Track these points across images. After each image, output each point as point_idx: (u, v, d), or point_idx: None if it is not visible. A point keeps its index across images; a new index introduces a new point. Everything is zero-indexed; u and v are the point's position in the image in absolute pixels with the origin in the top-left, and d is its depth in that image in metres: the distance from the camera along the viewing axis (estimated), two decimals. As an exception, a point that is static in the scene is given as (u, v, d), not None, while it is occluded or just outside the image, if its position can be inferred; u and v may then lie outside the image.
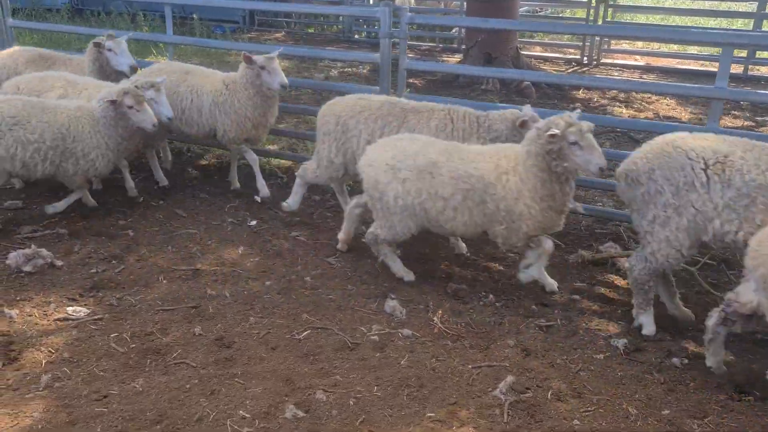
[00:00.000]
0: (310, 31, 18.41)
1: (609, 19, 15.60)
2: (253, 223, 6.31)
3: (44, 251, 5.36)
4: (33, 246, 5.40)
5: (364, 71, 13.45)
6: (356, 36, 17.32)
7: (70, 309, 4.71)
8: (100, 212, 6.36)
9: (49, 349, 4.21)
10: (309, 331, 4.51)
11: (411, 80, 12.82)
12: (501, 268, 5.58)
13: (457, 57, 15.61)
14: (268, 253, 5.70)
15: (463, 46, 14.43)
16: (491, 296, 5.04)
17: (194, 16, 15.13)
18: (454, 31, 16.51)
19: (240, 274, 5.31)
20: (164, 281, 5.17)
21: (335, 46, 16.17)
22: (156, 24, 15.10)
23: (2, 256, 5.35)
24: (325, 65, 13.63)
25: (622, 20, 18.58)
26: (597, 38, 15.03)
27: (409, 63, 6.81)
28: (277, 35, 17.67)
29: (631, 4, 18.76)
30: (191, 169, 7.76)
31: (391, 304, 4.85)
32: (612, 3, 15.86)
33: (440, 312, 4.78)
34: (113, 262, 5.47)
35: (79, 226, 6.05)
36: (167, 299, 4.89)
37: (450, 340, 4.47)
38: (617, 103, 11.68)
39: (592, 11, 15.13)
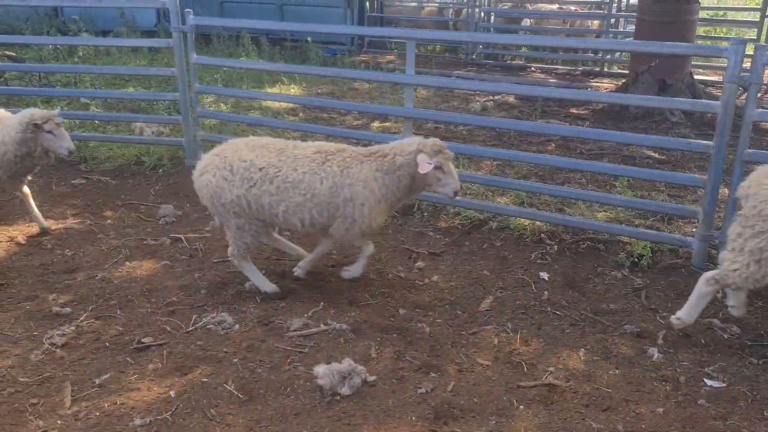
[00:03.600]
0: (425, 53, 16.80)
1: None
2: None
3: (358, 366, 4.00)
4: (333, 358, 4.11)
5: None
6: (473, 57, 15.65)
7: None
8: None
9: None
10: None
11: (572, 110, 11.08)
12: None
13: (601, 82, 13.78)
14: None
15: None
16: None
17: (309, 39, 13.69)
18: (599, 53, 14.67)
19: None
20: None
21: (463, 69, 14.50)
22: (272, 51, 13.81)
23: (291, 367, 4.16)
24: (464, 94, 11.96)
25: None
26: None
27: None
28: (389, 56, 16.14)
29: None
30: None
31: None
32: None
33: None
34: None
35: (351, 316, 4.72)
36: None
37: None
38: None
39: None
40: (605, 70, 14.29)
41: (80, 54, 13.77)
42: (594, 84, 13.34)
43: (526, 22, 15.41)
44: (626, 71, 14.19)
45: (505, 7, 16.76)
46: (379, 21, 16.78)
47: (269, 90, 11.32)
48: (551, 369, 4.15)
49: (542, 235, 6.02)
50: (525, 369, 4.17)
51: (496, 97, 11.48)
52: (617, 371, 4.16)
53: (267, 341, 4.43)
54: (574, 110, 11.09)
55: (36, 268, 5.39)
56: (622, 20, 15.20)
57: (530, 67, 14.77)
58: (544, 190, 6.33)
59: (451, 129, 9.61)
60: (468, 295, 5.09)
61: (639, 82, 11.06)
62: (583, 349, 4.38)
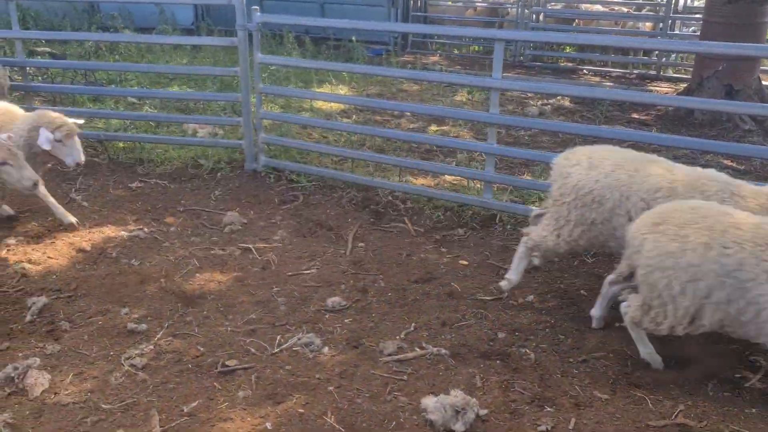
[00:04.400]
0: (468, 52, 16.38)
1: None
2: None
3: (471, 399, 3.64)
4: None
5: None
6: (521, 59, 15.18)
7: None
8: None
9: None
10: None
11: (633, 115, 10.63)
12: None
13: (659, 86, 13.27)
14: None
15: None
16: None
17: (353, 38, 13.33)
18: (654, 55, 14.14)
19: None
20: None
21: (512, 71, 14.06)
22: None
23: (391, 397, 3.82)
24: (519, 97, 11.53)
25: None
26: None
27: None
28: (433, 57, 15.74)
29: None
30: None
31: None
32: None
33: None
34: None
35: (447, 339, 4.41)
36: None
37: None
38: None
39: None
40: (661, 73, 13.75)
41: (121, 51, 13.57)
42: (652, 88, 12.84)
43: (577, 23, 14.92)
44: (685, 75, 13.73)
45: (557, 7, 16.27)
46: (422, 20, 16.38)
47: (317, 89, 10.98)
48: (681, 407, 3.75)
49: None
50: (650, 404, 3.78)
51: (551, 101, 11.03)
52: (753, 410, 3.76)
53: (360, 366, 4.08)
54: (635, 115, 10.63)
55: (102, 278, 5.09)
56: (678, 22, 14.66)
57: (582, 69, 14.29)
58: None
59: (512, 134, 9.22)
60: (568, 317, 4.70)
61: (704, 86, 10.58)
62: (711, 383, 3.97)
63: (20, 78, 8.47)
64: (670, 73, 13.99)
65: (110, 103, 9.70)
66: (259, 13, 6.54)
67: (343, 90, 11.51)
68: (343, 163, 7.61)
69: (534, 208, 5.66)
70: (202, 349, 4.21)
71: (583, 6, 15.89)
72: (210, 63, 12.61)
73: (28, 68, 8.56)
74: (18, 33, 7.66)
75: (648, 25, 15.13)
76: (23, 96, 8.19)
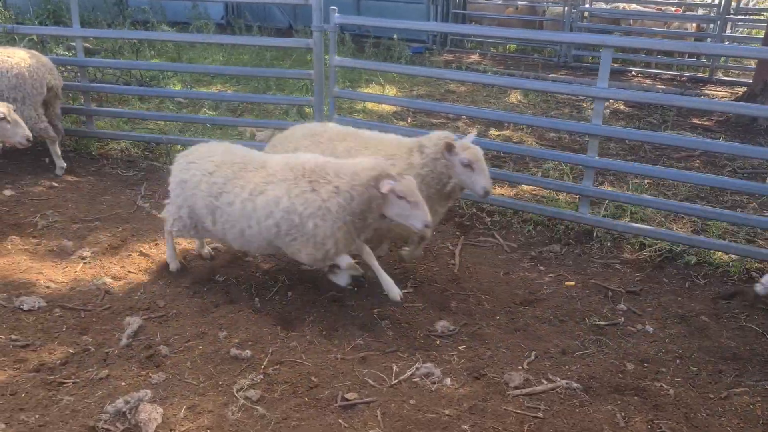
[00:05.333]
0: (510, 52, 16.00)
1: None
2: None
3: None
4: None
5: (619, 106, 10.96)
6: (565, 60, 14.81)
7: None
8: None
9: None
10: None
11: (694, 120, 10.30)
12: None
13: (714, 89, 12.89)
14: None
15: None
16: None
17: (395, 36, 13.00)
18: (703, 57, 13.75)
19: None
20: None
21: (559, 72, 13.71)
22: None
23: None
24: (571, 100, 11.18)
25: None
26: None
27: None
28: (472, 56, 15.38)
29: None
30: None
31: None
32: None
33: None
34: None
35: (573, 371, 4.11)
36: None
37: None
38: None
39: None
40: (713, 76, 13.38)
41: (157, 48, 13.27)
42: (707, 92, 12.47)
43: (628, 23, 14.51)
44: (738, 79, 13.39)
45: (603, 6, 15.88)
46: (461, 18, 16.01)
47: (367, 90, 10.68)
48: None
49: (752, 272, 5.29)
50: (812, 451, 3.48)
51: (613, 104, 10.70)
52: None
53: (489, 401, 3.79)
54: (696, 120, 10.30)
55: (191, 297, 4.80)
56: (728, 23, 14.28)
57: (630, 71, 13.91)
58: (729, 218, 5.60)
59: (577, 139, 8.89)
60: (694, 347, 4.39)
61: (766, 92, 10.26)
62: None
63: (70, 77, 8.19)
64: (720, 75, 13.63)
65: (155, 102, 9.43)
66: (337, 15, 6.22)
67: (390, 90, 11.20)
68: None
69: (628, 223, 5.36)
70: (315, 379, 3.92)
71: (621, 5, 15.51)
72: (248, 61, 12.35)
73: (88, 68, 8.26)
74: (78, 31, 7.35)
75: (693, 25, 14.76)
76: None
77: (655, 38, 13.09)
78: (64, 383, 3.80)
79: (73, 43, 12.93)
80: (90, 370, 3.93)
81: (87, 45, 13.04)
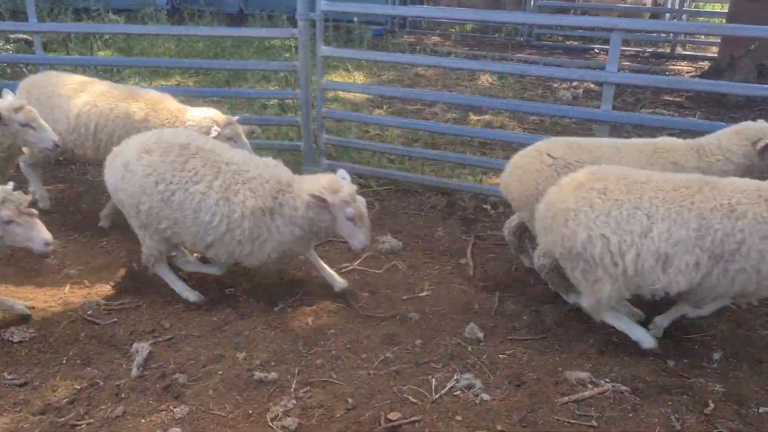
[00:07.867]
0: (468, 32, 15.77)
1: None
2: None
3: None
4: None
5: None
6: (528, 39, 14.69)
7: None
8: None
9: None
10: None
11: (667, 97, 10.35)
12: None
13: (678, 64, 13.00)
14: None
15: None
16: None
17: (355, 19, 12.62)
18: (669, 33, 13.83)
19: None
20: None
21: (523, 52, 13.59)
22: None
23: None
24: (542, 81, 11.07)
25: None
26: None
27: None
28: (435, 38, 15.11)
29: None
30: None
31: None
32: None
33: None
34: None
35: (616, 372, 3.74)
36: None
37: None
38: None
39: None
40: (675, 52, 13.52)
41: (105, 39, 12.49)
42: (672, 67, 12.57)
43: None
44: (701, 54, 13.55)
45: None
46: (419, 1, 15.71)
47: (333, 77, 10.30)
48: None
49: None
50: None
51: (584, 84, 10.64)
52: None
53: (537, 411, 3.60)
54: (667, 97, 10.35)
55: (202, 314, 4.45)
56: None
57: (593, 48, 13.92)
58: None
59: (557, 122, 8.78)
60: (726, 338, 4.32)
61: (737, 66, 10.37)
62: None
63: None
64: (680, 50, 13.79)
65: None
66: (324, 1, 5.87)
67: (359, 76, 10.85)
68: (410, 164, 7.03)
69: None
70: (351, 400, 3.65)
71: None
72: (202, 50, 11.81)
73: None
74: (35, 26, 6.77)
75: (649, 0, 14.87)
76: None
77: (664, 20, 12.98)
78: (77, 425, 3.43)
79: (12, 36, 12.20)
80: (103, 407, 3.56)
81: (25, 36, 12.19)
